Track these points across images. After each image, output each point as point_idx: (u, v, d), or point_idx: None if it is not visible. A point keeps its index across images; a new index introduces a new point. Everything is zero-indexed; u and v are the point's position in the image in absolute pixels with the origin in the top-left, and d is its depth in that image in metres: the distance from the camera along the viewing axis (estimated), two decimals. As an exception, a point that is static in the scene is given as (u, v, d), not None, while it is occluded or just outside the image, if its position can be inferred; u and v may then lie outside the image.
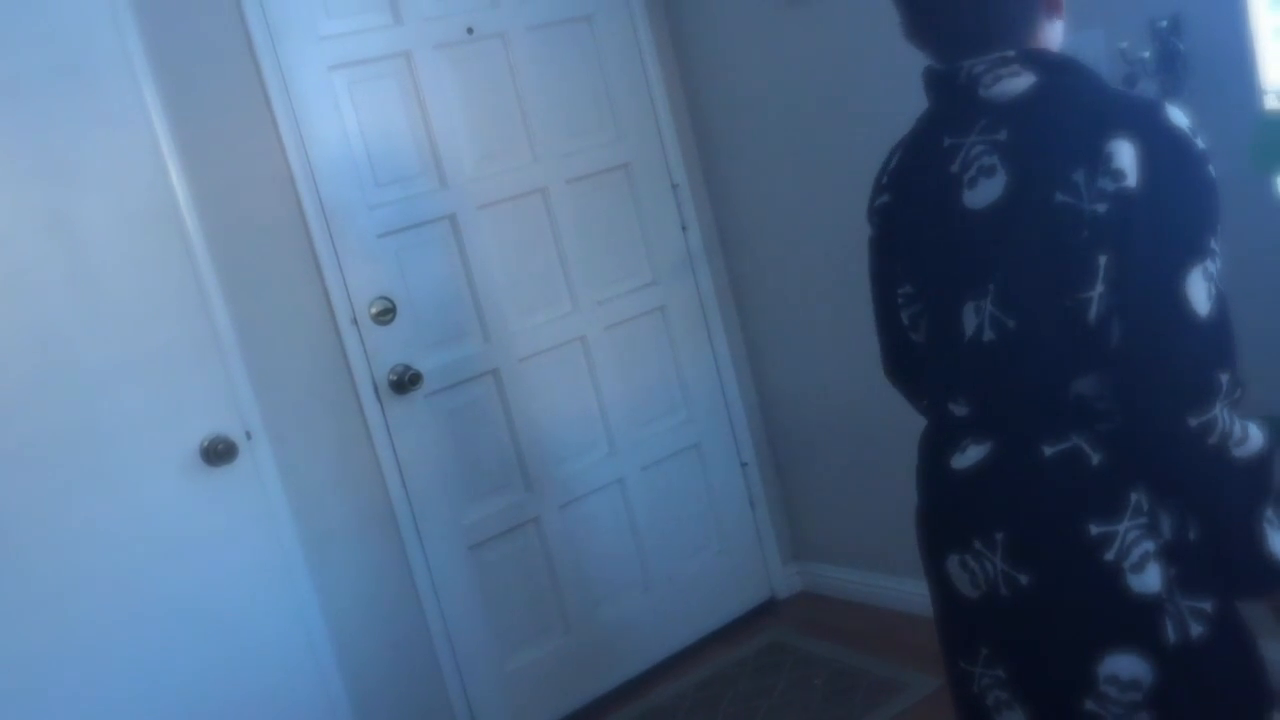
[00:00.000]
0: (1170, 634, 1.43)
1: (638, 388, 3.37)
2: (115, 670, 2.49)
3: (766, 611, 3.61)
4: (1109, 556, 1.41)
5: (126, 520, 2.51)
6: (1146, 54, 2.33)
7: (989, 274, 1.42)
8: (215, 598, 2.62)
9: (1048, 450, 1.43)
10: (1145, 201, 1.32)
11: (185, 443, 2.58)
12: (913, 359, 1.64)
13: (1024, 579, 1.46)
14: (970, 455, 1.49)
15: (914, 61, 2.65)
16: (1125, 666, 1.44)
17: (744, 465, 3.58)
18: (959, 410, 1.52)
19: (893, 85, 2.80)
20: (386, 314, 2.91)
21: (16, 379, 2.39)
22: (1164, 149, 1.33)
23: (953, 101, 1.47)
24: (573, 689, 3.25)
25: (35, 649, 2.40)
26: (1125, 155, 1.32)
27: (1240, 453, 1.38)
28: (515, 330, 3.14)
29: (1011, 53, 1.42)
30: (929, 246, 1.51)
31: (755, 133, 3.31)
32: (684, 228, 3.46)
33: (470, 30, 3.06)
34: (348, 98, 2.88)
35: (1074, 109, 1.38)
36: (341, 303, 2.84)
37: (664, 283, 3.43)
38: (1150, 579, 1.42)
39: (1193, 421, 1.34)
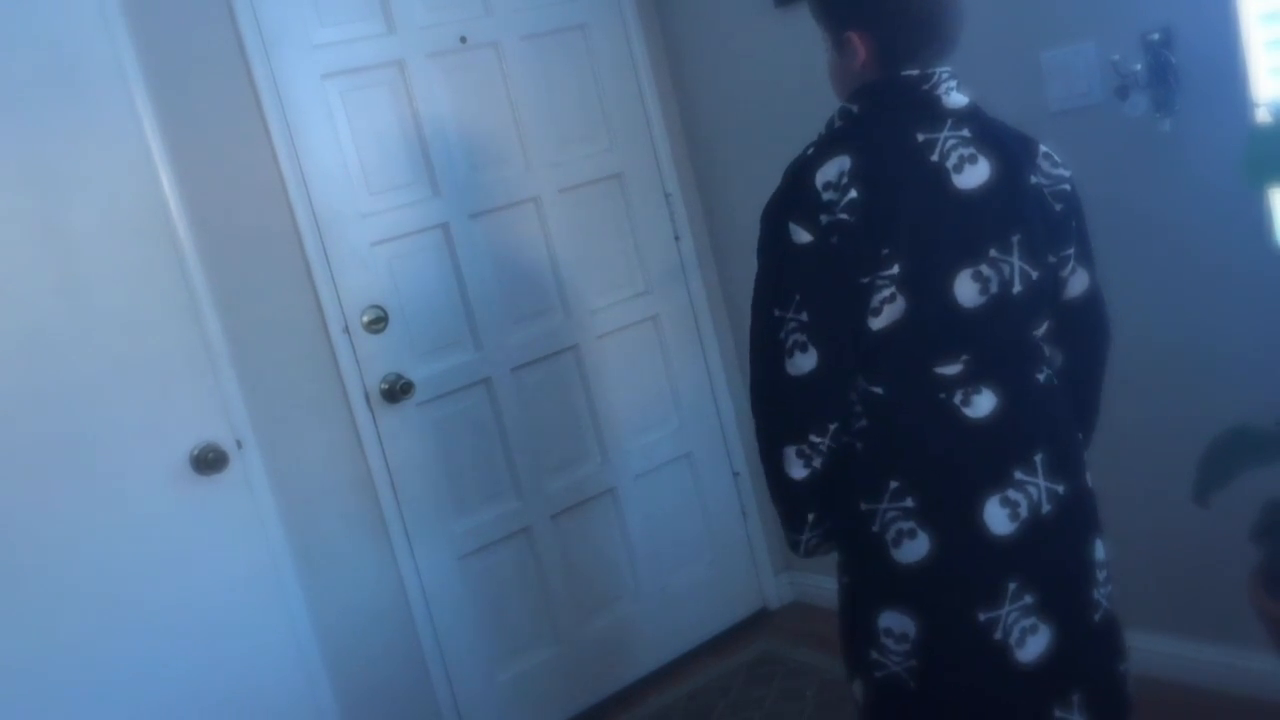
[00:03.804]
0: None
1: (630, 397, 3.36)
2: (103, 679, 2.48)
3: (758, 622, 3.61)
4: (1084, 457, 1.85)
5: (116, 528, 2.49)
6: (1138, 66, 2.34)
7: (992, 240, 1.69)
8: (204, 607, 2.60)
9: (1040, 379, 1.78)
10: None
11: (175, 451, 2.57)
12: (849, 354, 1.70)
13: (1061, 488, 1.76)
14: (982, 402, 1.71)
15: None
16: (1100, 549, 1.84)
17: (736, 475, 3.58)
18: (950, 370, 1.71)
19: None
20: (378, 323, 2.90)
21: (5, 387, 2.38)
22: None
23: (917, 105, 1.71)
24: (563, 699, 3.24)
25: (22, 659, 2.39)
26: (1055, 154, 1.79)
27: None
28: (507, 339, 3.14)
29: (950, 69, 1.74)
30: (921, 226, 1.66)
31: (748, 142, 3.31)
32: (676, 237, 3.46)
33: (463, 39, 3.05)
34: (340, 106, 2.87)
35: (998, 122, 1.76)
36: (333, 311, 2.83)
37: (656, 292, 3.43)
38: (1089, 473, 1.84)
39: (1111, 339, 1.93)
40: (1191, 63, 2.29)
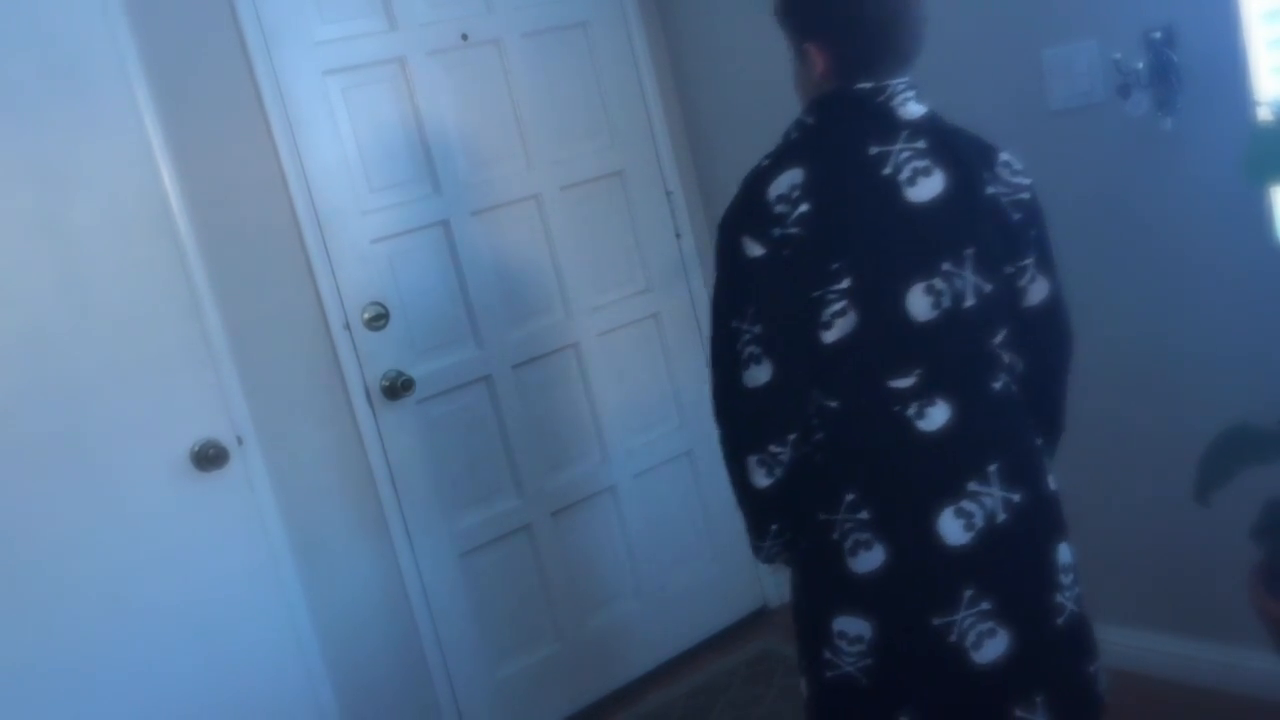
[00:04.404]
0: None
1: (630, 395, 3.36)
2: (104, 677, 2.48)
3: (758, 620, 3.61)
4: (1045, 463, 1.84)
5: (116, 525, 2.49)
6: (1140, 65, 2.34)
7: (945, 253, 1.69)
8: (205, 604, 2.60)
9: (996, 387, 1.77)
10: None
11: (176, 448, 2.57)
12: (803, 367, 1.71)
13: (1017, 497, 1.75)
14: (936, 415, 1.72)
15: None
16: (1065, 552, 1.83)
17: (736, 473, 3.57)
18: (903, 383, 1.72)
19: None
20: (379, 319, 2.90)
21: (6, 384, 2.37)
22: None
23: (871, 117, 1.72)
24: (563, 697, 3.24)
25: (23, 656, 2.39)
26: (1016, 162, 1.78)
27: None
28: (508, 337, 3.14)
29: (910, 79, 1.74)
30: (872, 240, 1.68)
31: (749, 140, 3.29)
32: (677, 235, 3.46)
33: (465, 37, 3.05)
34: (342, 103, 2.87)
35: (957, 132, 1.76)
36: (334, 308, 2.83)
37: (657, 290, 3.42)
38: (1052, 478, 1.85)
39: (1073, 345, 1.92)
40: (1193, 61, 2.29)
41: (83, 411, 2.46)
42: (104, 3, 2.48)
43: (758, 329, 1.69)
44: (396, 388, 2.90)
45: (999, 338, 1.78)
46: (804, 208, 1.66)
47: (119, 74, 2.51)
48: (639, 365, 3.39)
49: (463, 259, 3.05)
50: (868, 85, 1.71)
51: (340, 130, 2.87)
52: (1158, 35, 2.31)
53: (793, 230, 1.66)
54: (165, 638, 2.55)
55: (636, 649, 3.37)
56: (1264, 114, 2.22)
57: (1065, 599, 1.81)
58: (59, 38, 2.44)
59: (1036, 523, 1.78)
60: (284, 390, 2.76)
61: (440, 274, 3.03)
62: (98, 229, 2.48)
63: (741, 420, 1.77)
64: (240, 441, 2.65)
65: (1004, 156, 1.78)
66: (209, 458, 2.58)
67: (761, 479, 1.77)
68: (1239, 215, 2.32)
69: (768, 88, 3.21)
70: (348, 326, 2.86)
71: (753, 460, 1.76)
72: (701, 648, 3.48)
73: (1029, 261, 1.79)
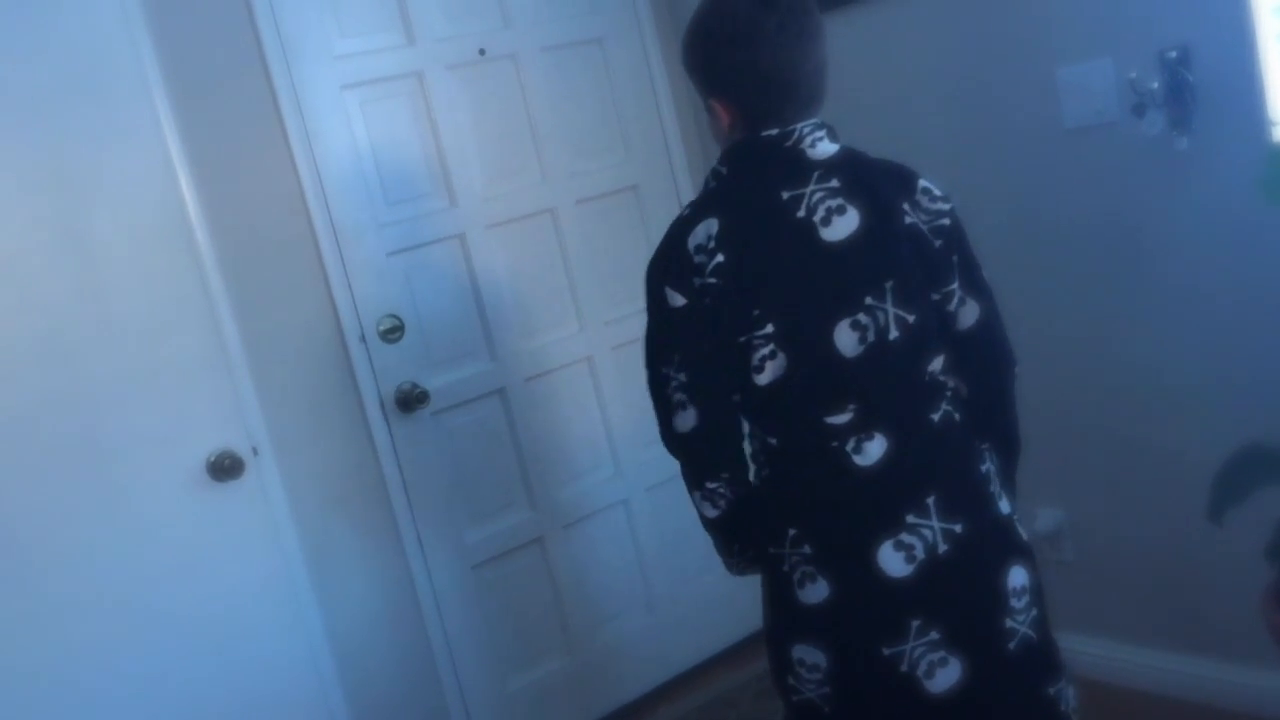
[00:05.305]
0: (1024, 538, 1.85)
1: (643, 409, 3.32)
2: (117, 684, 2.49)
3: (769, 635, 3.60)
4: (992, 489, 1.82)
5: (132, 534, 2.50)
6: (1155, 84, 2.34)
7: (866, 288, 1.71)
8: (219, 613, 2.61)
9: (934, 418, 1.77)
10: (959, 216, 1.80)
11: (192, 458, 2.58)
12: (730, 412, 1.79)
13: (958, 527, 1.75)
14: (873, 449, 1.73)
15: (914, 83, 2.66)
16: (1018, 576, 1.81)
17: (748, 488, 3.57)
18: (840, 419, 1.74)
19: (897, 108, 2.82)
20: (394, 332, 2.92)
21: (24, 391, 2.39)
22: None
23: (782, 162, 1.74)
24: (573, 710, 3.24)
25: (38, 663, 2.40)
26: (935, 187, 1.78)
27: None
28: (522, 350, 3.15)
29: (819, 120, 1.76)
30: (791, 283, 1.72)
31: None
32: (692, 250, 3.46)
33: (482, 51, 3.07)
34: (360, 117, 2.89)
35: (873, 164, 1.78)
36: (350, 320, 2.85)
37: (671, 304, 3.43)
38: (1005, 501, 1.85)
39: (1016, 363, 1.90)
40: (1209, 81, 2.30)
41: (99, 420, 2.47)
42: (125, 13, 2.51)
43: (683, 376, 1.76)
44: (411, 400, 2.91)
45: (936, 364, 1.78)
46: (720, 258, 1.70)
47: (139, 84, 2.53)
48: (652, 379, 3.39)
49: (478, 272, 3.06)
50: (774, 132, 1.74)
51: (358, 143, 2.89)
52: (1173, 55, 2.32)
53: (711, 280, 1.70)
54: (178, 646, 2.56)
55: (647, 663, 3.37)
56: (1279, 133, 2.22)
57: (1017, 623, 1.80)
58: (79, 47, 2.46)
59: (982, 550, 1.78)
60: (299, 401, 2.78)
61: (455, 287, 3.05)
62: (116, 239, 2.50)
63: (680, 459, 1.87)
64: (255, 452, 2.66)
65: (923, 183, 1.78)
66: (224, 468, 2.60)
67: (710, 510, 1.87)
68: (1254, 235, 2.32)
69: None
70: (363, 338, 2.87)
71: (697, 495, 1.86)
72: (713, 662, 3.47)
73: (954, 286, 1.79)
